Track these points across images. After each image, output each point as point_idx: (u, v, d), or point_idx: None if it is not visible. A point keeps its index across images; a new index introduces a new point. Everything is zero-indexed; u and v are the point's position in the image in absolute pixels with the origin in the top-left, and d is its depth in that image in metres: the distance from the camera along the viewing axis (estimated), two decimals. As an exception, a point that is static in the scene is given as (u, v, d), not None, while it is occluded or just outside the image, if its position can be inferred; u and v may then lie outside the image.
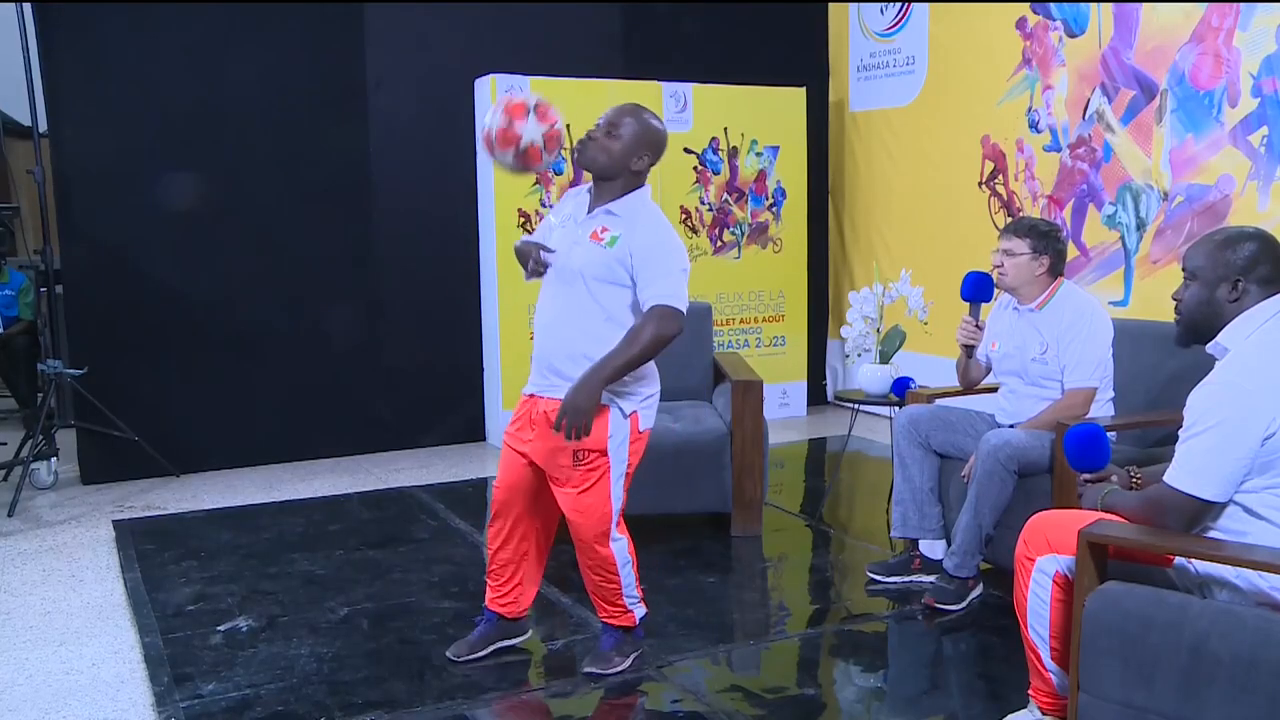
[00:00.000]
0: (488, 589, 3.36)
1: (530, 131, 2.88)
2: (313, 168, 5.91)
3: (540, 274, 3.10)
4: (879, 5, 6.98)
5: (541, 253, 3.08)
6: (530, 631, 3.48)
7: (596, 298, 3.00)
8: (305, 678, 3.26)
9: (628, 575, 3.17)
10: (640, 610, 3.26)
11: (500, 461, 3.23)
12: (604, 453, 3.02)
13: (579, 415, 2.90)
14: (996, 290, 3.92)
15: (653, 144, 3.06)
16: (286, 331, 5.91)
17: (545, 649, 3.50)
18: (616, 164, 3.02)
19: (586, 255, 3.00)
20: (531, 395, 3.15)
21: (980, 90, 6.27)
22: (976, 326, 3.96)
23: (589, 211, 3.08)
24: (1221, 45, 4.96)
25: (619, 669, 3.22)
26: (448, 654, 3.36)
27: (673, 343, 2.98)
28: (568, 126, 3.21)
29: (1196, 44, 5.07)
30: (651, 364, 3.10)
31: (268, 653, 3.45)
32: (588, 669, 3.22)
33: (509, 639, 3.42)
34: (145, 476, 5.63)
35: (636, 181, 3.07)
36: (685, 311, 2.98)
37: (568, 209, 3.19)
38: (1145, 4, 5.30)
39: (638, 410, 3.07)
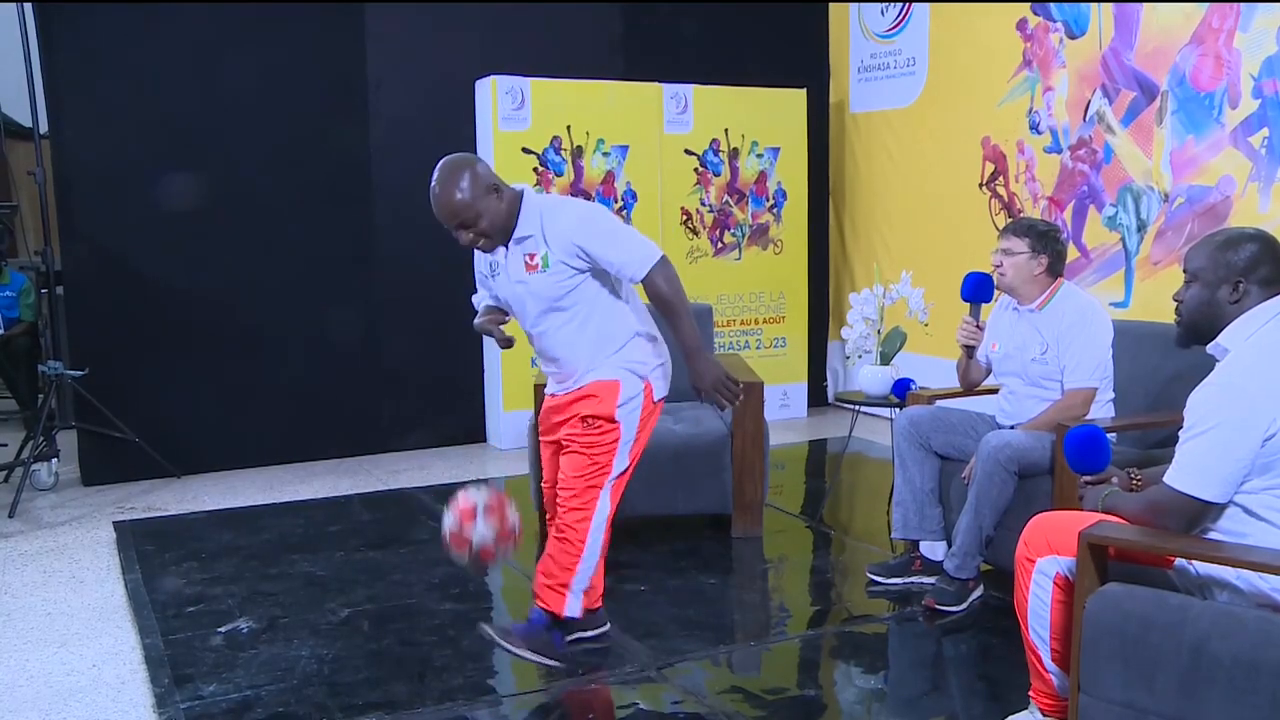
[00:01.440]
0: None
1: (480, 534, 2.90)
2: (313, 169, 5.92)
3: (511, 343, 3.21)
4: (879, 6, 6.99)
5: (498, 330, 3.18)
6: (608, 625, 3.39)
7: (571, 311, 3.05)
8: (306, 679, 3.26)
9: (592, 547, 3.06)
10: (574, 607, 3.11)
11: (542, 460, 3.34)
12: (612, 419, 3.03)
13: (718, 380, 3.00)
14: (996, 291, 3.92)
15: (480, 177, 2.95)
16: (287, 333, 5.92)
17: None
18: (494, 224, 2.97)
19: (535, 287, 3.02)
20: (552, 393, 3.22)
21: (981, 91, 6.27)
22: (977, 327, 3.96)
23: (506, 251, 3.06)
24: (1222, 47, 4.97)
25: (512, 650, 3.08)
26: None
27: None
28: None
29: (1197, 45, 5.07)
30: (658, 334, 3.16)
31: (268, 654, 3.45)
32: (484, 627, 3.14)
33: (585, 630, 3.32)
34: (146, 477, 5.63)
35: (509, 204, 3.00)
36: (661, 252, 2.99)
37: (487, 260, 3.18)
38: (1145, 5, 5.30)
39: (648, 378, 3.10)
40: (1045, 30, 5.86)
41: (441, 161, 3.01)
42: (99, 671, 3.36)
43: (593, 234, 2.97)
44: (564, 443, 3.13)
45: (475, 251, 3.18)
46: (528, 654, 3.12)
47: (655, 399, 3.13)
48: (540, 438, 3.36)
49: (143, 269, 5.60)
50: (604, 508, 3.09)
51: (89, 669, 3.38)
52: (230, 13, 5.64)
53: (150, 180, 5.55)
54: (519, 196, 3.04)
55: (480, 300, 3.34)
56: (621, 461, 3.09)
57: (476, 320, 3.26)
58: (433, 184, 2.97)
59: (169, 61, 5.58)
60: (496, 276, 3.13)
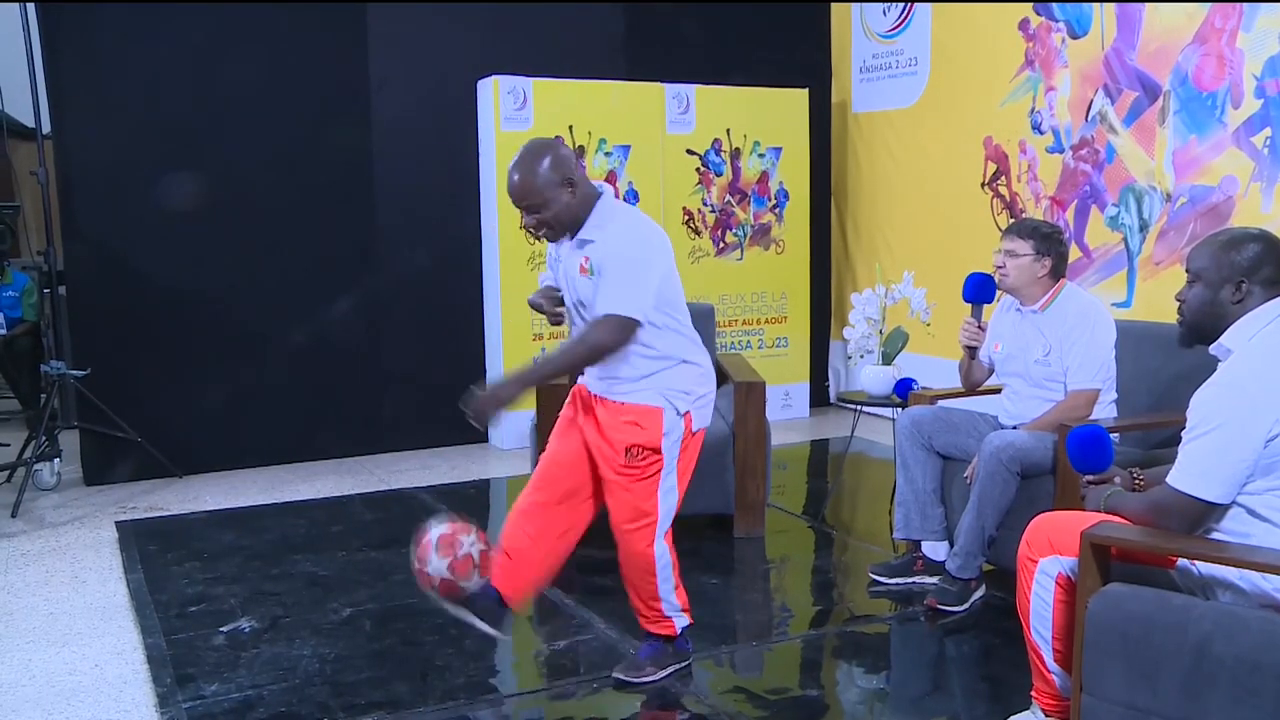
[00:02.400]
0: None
1: (435, 567, 2.85)
2: (315, 169, 5.92)
3: (562, 321, 3.13)
4: (881, 7, 6.98)
5: (549, 304, 3.10)
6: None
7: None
8: (308, 678, 3.26)
9: (666, 577, 3.09)
10: (682, 620, 3.19)
11: (551, 436, 3.21)
12: (657, 450, 2.99)
13: (490, 404, 2.86)
14: (998, 291, 3.92)
15: (559, 166, 2.89)
16: (289, 332, 5.92)
17: (548, 650, 3.50)
18: (563, 218, 2.93)
19: (582, 290, 2.99)
20: (589, 388, 3.13)
21: (983, 91, 6.27)
22: (979, 328, 3.96)
23: (570, 245, 3.02)
24: (1224, 46, 4.96)
25: (650, 679, 3.16)
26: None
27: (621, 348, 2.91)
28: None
29: (1199, 45, 5.07)
30: (706, 363, 3.10)
31: (270, 653, 3.45)
32: (616, 674, 3.17)
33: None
34: (148, 477, 5.64)
35: (583, 203, 2.95)
36: (636, 317, 2.88)
37: (559, 244, 3.13)
38: (1148, 5, 5.30)
39: (691, 410, 3.04)
40: (1047, 30, 5.86)
41: (526, 142, 2.96)
42: (101, 671, 3.36)
43: (611, 264, 2.89)
44: (605, 476, 3.06)
45: (551, 245, 3.16)
46: (663, 674, 3.17)
47: (694, 430, 3.08)
48: (563, 415, 3.22)
49: (145, 269, 5.60)
50: (661, 550, 3.05)
51: (91, 669, 3.38)
52: (232, 13, 5.64)
53: (152, 180, 5.55)
54: (595, 197, 2.97)
55: (544, 279, 3.26)
56: (668, 496, 3.03)
57: (533, 295, 3.18)
58: (512, 162, 2.92)
59: (171, 62, 5.58)
60: (561, 260, 3.08)
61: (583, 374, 3.16)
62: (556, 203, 2.90)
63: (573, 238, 2.99)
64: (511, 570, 3.11)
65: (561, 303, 3.11)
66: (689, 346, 3.09)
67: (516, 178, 2.89)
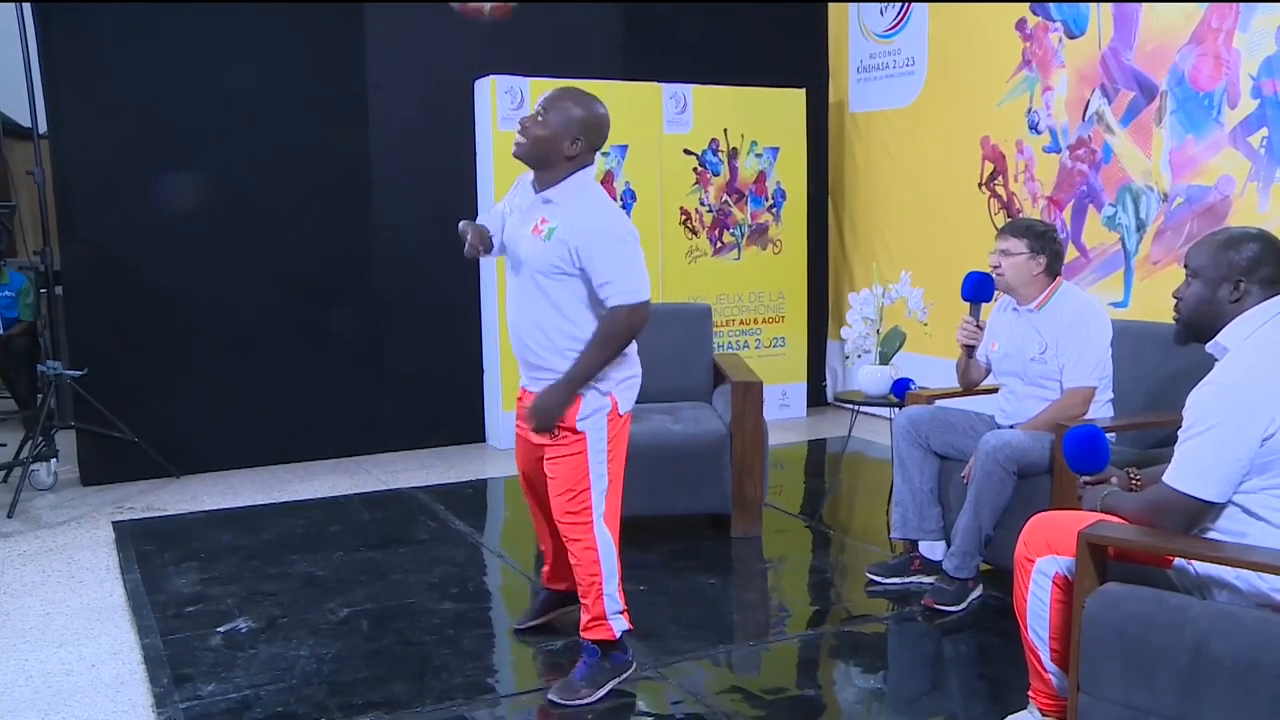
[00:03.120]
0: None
1: None
2: (313, 169, 5.92)
3: (476, 255, 3.08)
4: (879, 6, 6.99)
5: (474, 235, 3.05)
6: None
7: (546, 291, 2.96)
8: (305, 679, 3.26)
9: (609, 569, 3.05)
10: (621, 624, 3.11)
11: (516, 449, 3.33)
12: (574, 429, 2.99)
13: (547, 416, 2.93)
14: (996, 291, 3.92)
15: (588, 127, 2.93)
16: (287, 332, 5.91)
17: (546, 649, 3.50)
18: (545, 151, 2.92)
19: (530, 249, 2.96)
20: (523, 389, 3.17)
21: (980, 91, 6.27)
22: (977, 327, 3.97)
23: (531, 199, 3.01)
24: (1221, 46, 4.97)
25: (585, 701, 3.05)
26: (513, 625, 3.59)
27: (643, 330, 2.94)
28: None
29: (1196, 45, 5.07)
30: (631, 348, 3.07)
31: (268, 654, 3.44)
32: (551, 696, 3.08)
33: (567, 606, 3.50)
34: (145, 477, 5.63)
35: (572, 166, 2.95)
36: (647, 298, 2.92)
37: (516, 198, 3.13)
38: (1145, 5, 5.30)
39: (613, 392, 3.03)
40: (1044, 30, 5.86)
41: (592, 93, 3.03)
42: (98, 671, 3.36)
43: (598, 246, 2.88)
44: (543, 457, 3.11)
45: (505, 200, 3.17)
46: (599, 694, 3.08)
47: (621, 412, 3.06)
48: (517, 429, 3.28)
49: (142, 269, 5.60)
50: (603, 535, 3.05)
51: (88, 669, 3.38)
52: (230, 13, 5.63)
53: (150, 180, 5.55)
54: (582, 171, 2.98)
55: (484, 218, 3.23)
56: (599, 479, 3.03)
57: (464, 222, 3.13)
58: (574, 91, 3.00)
59: (168, 62, 5.57)
60: (511, 215, 3.08)
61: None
62: (554, 136, 2.91)
63: (538, 190, 2.99)
64: (557, 567, 3.45)
65: (485, 244, 3.06)
66: None
67: (559, 95, 2.97)
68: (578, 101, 2.97)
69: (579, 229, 2.89)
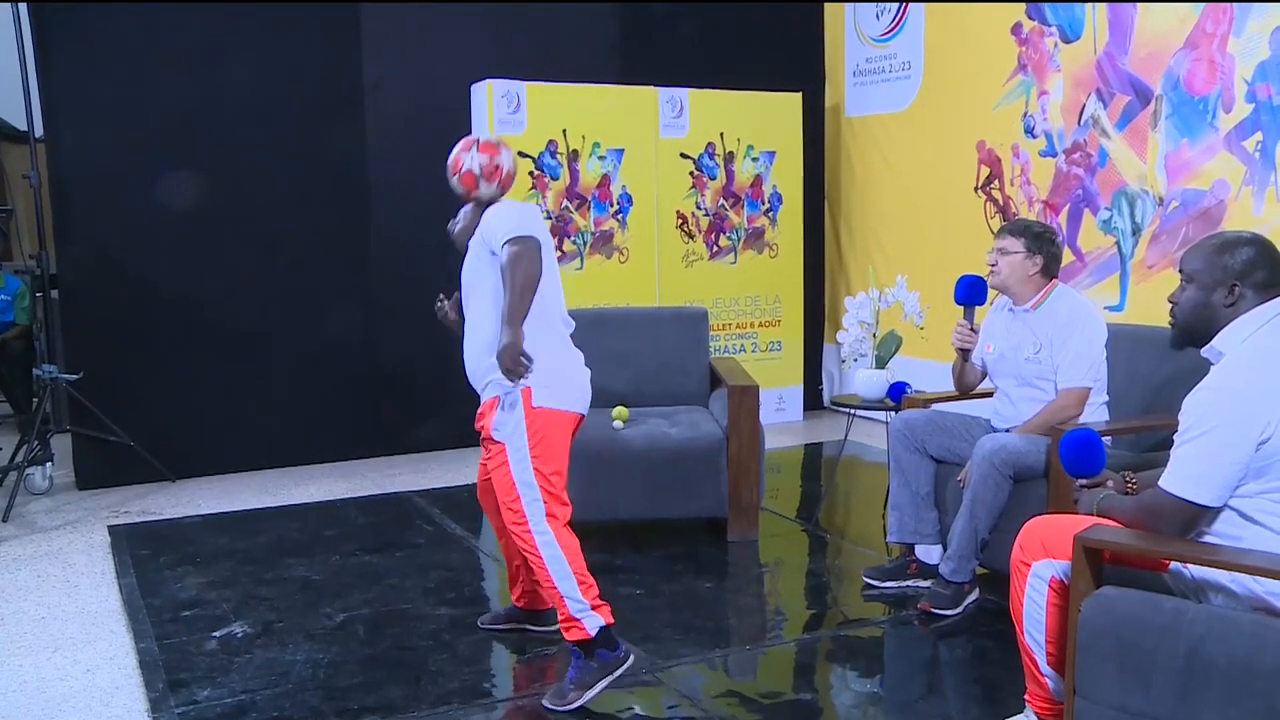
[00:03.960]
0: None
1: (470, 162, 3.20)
2: (310, 172, 5.91)
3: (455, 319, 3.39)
4: (875, 10, 6.99)
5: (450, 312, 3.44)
6: (555, 625, 3.45)
7: (476, 300, 3.21)
8: (301, 683, 3.26)
9: (559, 571, 3.05)
10: (593, 620, 3.08)
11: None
12: (492, 439, 3.15)
13: (512, 357, 2.96)
14: (991, 293, 3.93)
15: (486, 171, 3.19)
16: (283, 336, 5.91)
17: (542, 654, 3.49)
18: (469, 187, 3.21)
19: (467, 265, 3.23)
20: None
21: (976, 95, 6.28)
22: (971, 330, 3.97)
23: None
24: (1216, 51, 4.98)
25: (575, 704, 3.05)
26: (479, 621, 3.67)
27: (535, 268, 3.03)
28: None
29: (1191, 50, 5.09)
30: (554, 344, 3.18)
31: (263, 658, 3.44)
32: (545, 703, 3.09)
33: (531, 625, 3.59)
34: (141, 481, 5.62)
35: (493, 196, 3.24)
36: (529, 234, 3.03)
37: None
38: (1140, 9, 5.31)
39: (529, 386, 3.09)
40: (1040, 34, 5.88)
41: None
42: (93, 676, 3.35)
43: (495, 213, 3.12)
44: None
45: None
46: (589, 694, 3.08)
47: (535, 405, 3.10)
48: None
49: (138, 272, 5.59)
50: (544, 537, 3.07)
51: (83, 674, 3.37)
52: (226, 15, 5.63)
53: (145, 183, 5.54)
54: (505, 198, 3.27)
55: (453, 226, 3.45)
56: (527, 486, 3.07)
57: (440, 303, 3.47)
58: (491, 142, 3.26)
59: (164, 64, 5.57)
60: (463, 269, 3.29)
61: None
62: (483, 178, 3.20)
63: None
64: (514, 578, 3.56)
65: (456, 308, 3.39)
66: (539, 332, 3.10)
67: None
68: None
69: (490, 217, 3.14)
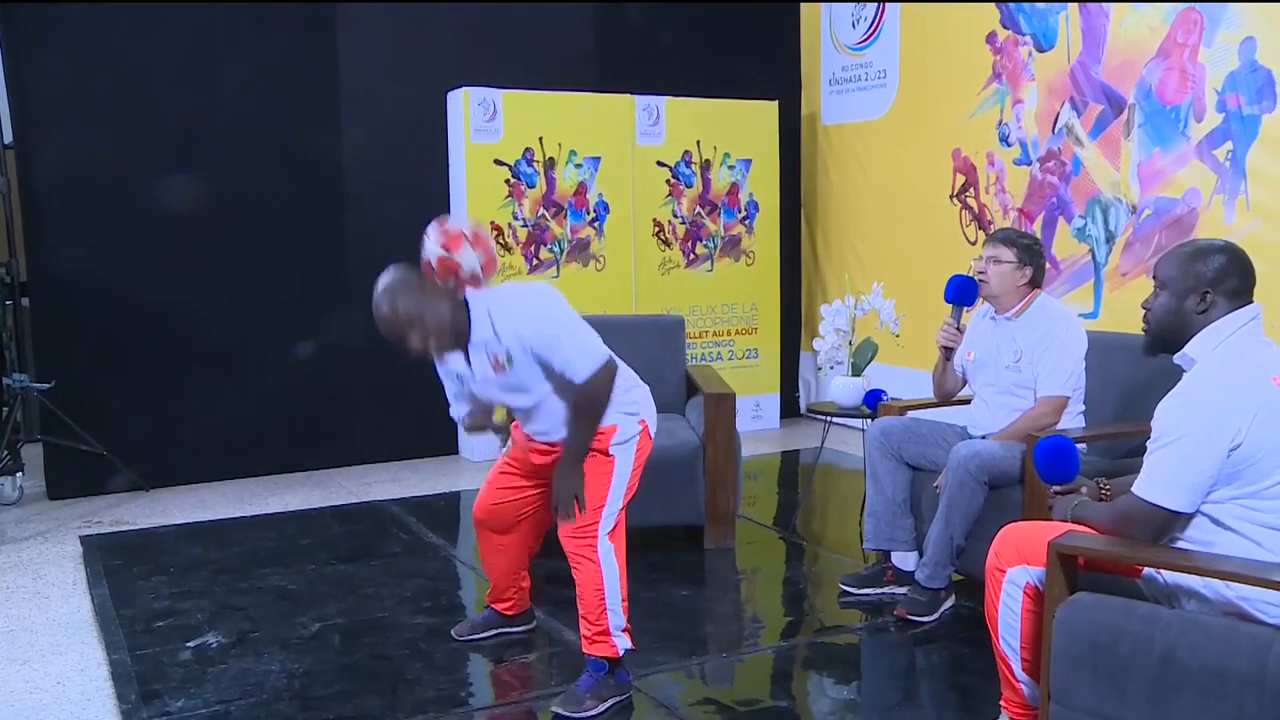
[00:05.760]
0: None
1: (468, 260, 2.94)
2: (285, 180, 5.88)
3: (508, 431, 3.33)
4: (851, 18, 7.02)
5: (490, 423, 3.26)
6: (534, 623, 3.66)
7: (551, 383, 3.06)
8: (276, 694, 3.23)
9: (612, 585, 3.07)
10: (624, 643, 3.12)
11: (491, 477, 3.42)
12: (605, 453, 3.10)
13: (571, 490, 3.03)
14: (979, 296, 3.94)
15: (411, 287, 3.01)
16: (257, 345, 5.87)
17: (518, 662, 3.48)
18: (437, 330, 2.95)
19: (511, 380, 3.05)
20: (534, 439, 3.25)
21: (951, 104, 6.32)
22: (957, 329, 3.99)
23: (469, 357, 3.06)
24: (1187, 61, 5.03)
25: (590, 713, 3.06)
26: (452, 631, 3.64)
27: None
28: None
29: (1163, 59, 5.13)
30: (625, 372, 3.17)
31: (238, 669, 3.41)
32: (556, 709, 3.09)
33: (509, 627, 3.64)
34: (113, 491, 5.57)
35: (455, 297, 2.98)
36: (608, 355, 3.02)
37: (451, 363, 3.15)
38: (1112, 19, 5.36)
39: (643, 416, 3.19)
40: (1015, 43, 5.92)
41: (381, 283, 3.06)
42: (63, 688, 3.31)
43: (540, 335, 2.97)
44: (535, 487, 3.26)
45: (443, 374, 3.23)
46: (603, 707, 3.09)
47: (652, 434, 3.22)
48: (507, 461, 3.38)
49: (110, 280, 5.54)
50: (606, 550, 3.08)
51: (53, 686, 3.33)
52: (201, 22, 5.60)
53: (118, 191, 5.50)
54: (464, 302, 3.00)
55: (458, 414, 3.30)
56: (616, 500, 3.10)
57: (466, 424, 3.26)
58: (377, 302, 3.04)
59: (138, 71, 5.53)
60: (474, 384, 3.13)
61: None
62: (425, 324, 2.95)
63: (465, 348, 3.05)
64: (500, 587, 3.60)
65: (489, 415, 3.25)
66: (623, 370, 3.19)
67: (386, 310, 3.03)
68: (397, 305, 3.04)
69: (515, 330, 2.97)
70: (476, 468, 6.12)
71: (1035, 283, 3.83)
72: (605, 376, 3.01)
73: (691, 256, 6.81)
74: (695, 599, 4.11)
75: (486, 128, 6.08)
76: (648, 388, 3.28)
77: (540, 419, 3.15)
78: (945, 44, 6.35)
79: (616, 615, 3.10)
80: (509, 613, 3.61)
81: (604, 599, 3.07)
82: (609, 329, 5.04)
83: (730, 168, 6.86)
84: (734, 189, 6.89)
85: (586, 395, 3.00)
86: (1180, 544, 2.43)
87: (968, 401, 4.05)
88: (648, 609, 3.89)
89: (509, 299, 3.03)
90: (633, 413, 3.16)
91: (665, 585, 4.16)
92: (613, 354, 3.05)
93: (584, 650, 3.15)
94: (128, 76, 5.52)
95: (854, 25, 7.02)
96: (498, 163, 6.14)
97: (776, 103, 7.00)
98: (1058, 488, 2.72)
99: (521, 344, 2.97)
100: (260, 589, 4.16)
